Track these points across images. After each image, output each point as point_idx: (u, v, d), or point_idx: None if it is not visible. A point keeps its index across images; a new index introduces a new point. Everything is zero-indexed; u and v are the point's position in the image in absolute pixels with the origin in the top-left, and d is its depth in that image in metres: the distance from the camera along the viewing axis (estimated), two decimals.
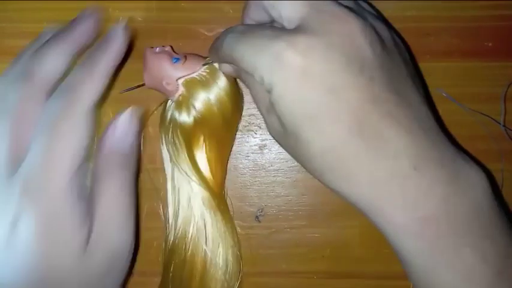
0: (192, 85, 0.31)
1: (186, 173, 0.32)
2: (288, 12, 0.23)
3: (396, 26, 0.33)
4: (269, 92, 0.23)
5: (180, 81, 0.31)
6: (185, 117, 0.31)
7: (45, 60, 0.25)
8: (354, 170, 0.23)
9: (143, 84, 0.31)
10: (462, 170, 0.23)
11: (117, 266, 0.26)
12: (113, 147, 0.26)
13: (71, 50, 0.26)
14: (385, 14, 0.33)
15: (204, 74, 0.31)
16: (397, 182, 0.22)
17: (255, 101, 0.27)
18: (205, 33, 0.34)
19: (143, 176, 0.34)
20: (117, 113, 0.27)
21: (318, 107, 0.22)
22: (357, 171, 0.23)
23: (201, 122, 0.31)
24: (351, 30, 0.22)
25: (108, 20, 0.34)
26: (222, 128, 0.32)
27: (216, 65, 0.31)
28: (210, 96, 0.31)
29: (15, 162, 0.23)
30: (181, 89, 0.31)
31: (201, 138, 0.32)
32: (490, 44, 0.34)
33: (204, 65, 0.31)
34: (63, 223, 0.22)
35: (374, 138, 0.22)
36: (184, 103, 0.31)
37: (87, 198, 0.24)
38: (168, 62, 0.30)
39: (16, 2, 0.34)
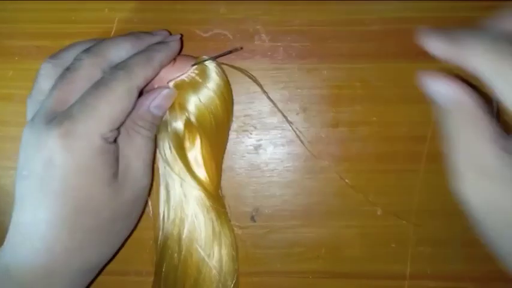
0: (182, 87, 0.31)
1: (179, 174, 0.32)
2: None
3: (391, 27, 0.34)
4: None
5: (171, 83, 0.31)
6: (177, 118, 0.31)
7: (115, 46, 0.29)
8: None
9: None
10: None
11: (139, 203, 0.31)
12: (147, 110, 0.30)
13: (138, 48, 0.30)
14: (380, 15, 0.34)
15: (193, 75, 0.31)
16: None
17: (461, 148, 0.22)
18: (201, 34, 0.34)
19: None
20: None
21: None
22: None
23: (193, 122, 0.31)
24: None
25: (104, 21, 0.34)
26: (213, 128, 0.32)
27: (207, 64, 0.31)
28: (200, 97, 0.31)
29: (55, 114, 0.26)
30: (176, 92, 0.31)
31: (195, 138, 0.32)
32: None
33: (193, 65, 0.31)
34: (93, 164, 0.26)
35: None
36: (176, 105, 0.31)
37: (116, 147, 0.28)
38: None
39: (14, 3, 0.35)
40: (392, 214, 0.34)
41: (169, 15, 0.34)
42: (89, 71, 0.28)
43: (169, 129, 0.31)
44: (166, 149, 0.32)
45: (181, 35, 0.32)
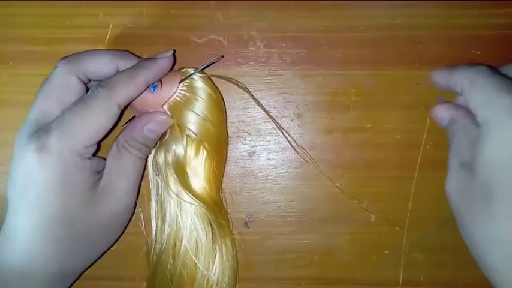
0: (177, 107, 0.31)
1: (176, 191, 0.32)
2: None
3: (386, 33, 0.34)
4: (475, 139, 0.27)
5: (165, 106, 0.31)
6: (178, 139, 0.31)
7: (92, 58, 0.29)
8: None
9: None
10: None
11: (119, 218, 0.31)
12: (140, 132, 0.30)
13: (118, 62, 0.30)
14: (375, 21, 0.34)
15: (183, 92, 0.31)
16: None
17: (453, 150, 0.30)
18: (196, 40, 0.34)
19: None
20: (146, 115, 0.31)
21: None
22: None
23: (195, 137, 0.31)
24: None
25: (99, 26, 0.34)
26: (216, 135, 0.32)
27: (195, 77, 0.31)
28: (197, 110, 0.31)
29: (38, 126, 0.27)
30: (170, 114, 0.31)
31: (198, 152, 0.31)
32: (478, 52, 0.34)
33: (180, 82, 0.31)
34: (66, 179, 0.27)
35: None
36: (177, 127, 0.31)
37: (94, 162, 0.29)
38: (147, 94, 0.30)
39: (8, 8, 0.34)
40: (386, 221, 0.34)
41: (164, 21, 0.34)
42: (64, 79, 0.28)
43: (170, 149, 0.31)
44: (163, 166, 0.32)
45: (174, 51, 0.31)
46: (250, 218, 0.35)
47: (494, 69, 0.29)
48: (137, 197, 0.32)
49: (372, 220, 0.34)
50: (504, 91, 0.26)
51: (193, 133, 0.31)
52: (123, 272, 0.35)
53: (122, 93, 0.28)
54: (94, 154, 0.29)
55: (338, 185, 0.34)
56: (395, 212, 0.34)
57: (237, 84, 0.33)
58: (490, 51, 0.34)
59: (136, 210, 0.34)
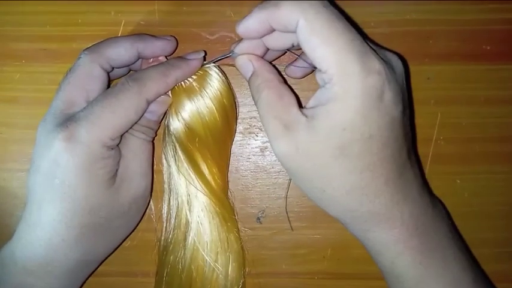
0: (179, 93, 0.31)
1: (185, 178, 0.32)
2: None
3: (396, 29, 0.34)
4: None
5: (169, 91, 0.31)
6: (176, 125, 0.31)
7: (113, 45, 0.30)
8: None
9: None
10: (432, 201, 0.28)
11: (137, 203, 0.31)
12: (144, 116, 0.30)
13: (138, 48, 0.30)
14: (386, 17, 0.34)
15: (191, 80, 0.31)
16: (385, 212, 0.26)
17: (266, 108, 0.27)
18: (207, 36, 0.34)
19: None
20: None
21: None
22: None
23: (190, 129, 0.31)
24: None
25: (111, 23, 0.34)
26: (208, 136, 0.32)
27: (207, 69, 0.31)
28: (196, 104, 0.31)
29: (63, 115, 0.28)
30: (171, 97, 0.31)
31: (194, 144, 0.32)
32: (488, 47, 0.34)
33: None
34: (92, 167, 0.27)
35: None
36: (173, 111, 0.31)
37: (116, 152, 0.29)
38: None
39: (20, 6, 0.35)
40: None
41: (176, 18, 0.34)
42: (88, 68, 0.29)
43: (172, 135, 0.32)
44: (173, 154, 0.32)
45: (205, 53, 0.31)
46: (263, 213, 0.35)
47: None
48: (152, 180, 0.33)
49: None
50: (356, 53, 0.23)
51: (186, 125, 0.31)
52: (136, 268, 0.35)
53: (153, 89, 0.28)
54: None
55: None
56: None
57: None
58: (501, 46, 0.34)
59: (148, 207, 0.34)
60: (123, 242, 0.33)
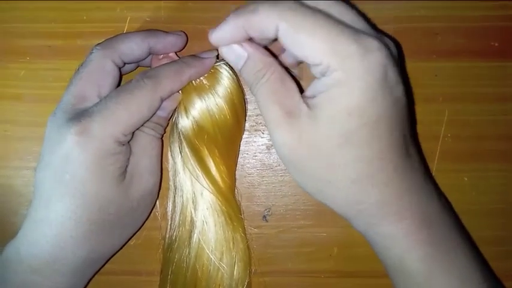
0: (189, 90, 0.31)
1: (191, 176, 0.32)
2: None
3: (404, 25, 0.34)
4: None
5: None
6: (185, 122, 0.31)
7: (125, 40, 0.30)
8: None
9: None
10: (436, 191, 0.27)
11: (147, 200, 0.31)
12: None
13: (149, 42, 0.30)
14: (394, 14, 0.34)
15: (202, 78, 0.31)
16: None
17: (269, 96, 0.25)
18: None
19: None
20: None
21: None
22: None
23: (199, 127, 0.31)
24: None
25: (116, 20, 0.34)
26: (217, 135, 0.31)
27: (218, 67, 0.31)
28: (206, 102, 0.31)
29: (75, 110, 0.27)
30: (180, 95, 0.31)
31: (202, 142, 0.32)
32: (496, 44, 0.34)
33: None
34: (104, 163, 0.27)
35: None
36: (182, 108, 0.31)
37: (127, 148, 0.29)
38: None
39: (25, 2, 0.34)
40: None
41: (181, 14, 0.34)
42: (100, 63, 0.29)
43: (180, 133, 0.31)
44: (180, 152, 0.32)
45: (217, 51, 0.29)
46: (269, 211, 0.35)
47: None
48: (161, 178, 0.32)
49: None
50: (347, 34, 0.22)
51: (196, 123, 0.31)
52: (141, 267, 0.35)
53: (167, 87, 0.28)
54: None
55: None
56: None
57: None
58: (509, 43, 0.34)
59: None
60: (129, 240, 0.32)
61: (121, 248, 0.32)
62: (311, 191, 0.26)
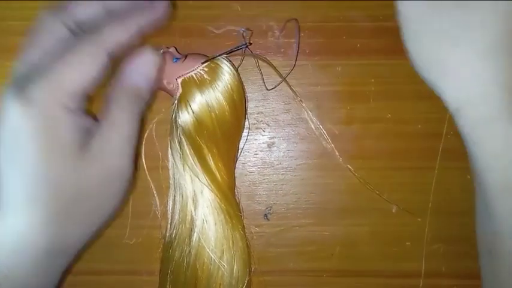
0: (189, 84, 0.31)
1: (191, 173, 0.31)
2: None
3: None
4: None
5: (179, 80, 0.31)
6: (185, 117, 0.31)
7: (79, 3, 0.27)
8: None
9: None
10: None
11: (113, 185, 0.28)
12: (129, 80, 0.27)
13: (110, 8, 0.27)
14: (395, 10, 0.33)
15: (202, 72, 0.31)
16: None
17: None
18: (214, 30, 0.34)
19: (152, 174, 0.34)
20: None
21: None
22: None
23: (199, 122, 0.31)
24: None
25: None
26: (217, 130, 0.31)
27: (219, 63, 0.31)
28: (205, 96, 0.30)
29: (23, 79, 0.24)
30: (180, 88, 0.31)
31: (202, 138, 0.31)
32: None
33: (203, 63, 0.31)
34: (54, 133, 0.24)
35: None
36: (182, 103, 0.31)
37: (84, 118, 0.26)
38: (168, 62, 0.30)
39: (24, 0, 0.34)
40: (407, 212, 0.33)
41: (182, 12, 0.34)
42: (52, 28, 0.26)
43: (180, 127, 0.31)
44: (179, 147, 0.31)
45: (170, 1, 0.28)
46: (270, 210, 0.34)
47: None
48: (136, 167, 0.30)
49: (393, 211, 0.34)
50: None
51: (195, 116, 0.30)
52: (141, 266, 0.34)
53: (112, 39, 0.25)
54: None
55: (359, 176, 0.33)
56: (416, 203, 0.34)
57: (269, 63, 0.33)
58: None
59: (154, 203, 0.33)
60: (98, 232, 0.29)
61: (92, 242, 0.30)
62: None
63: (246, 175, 0.34)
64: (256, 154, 0.34)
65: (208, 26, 0.34)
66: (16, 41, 0.34)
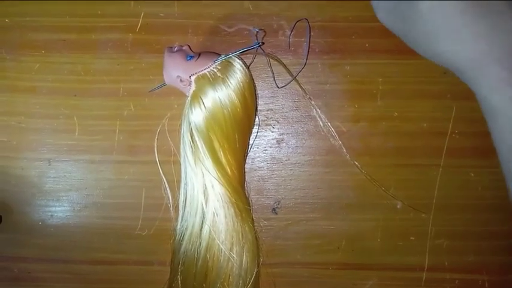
0: (202, 81, 0.31)
1: (202, 168, 0.32)
2: None
3: None
4: None
5: (193, 77, 0.31)
6: (198, 113, 0.32)
7: None
8: (459, 26, 0.25)
9: (165, 84, 0.32)
10: None
11: None
12: None
13: None
14: None
15: (215, 70, 0.31)
16: (497, 35, 0.24)
17: None
18: (226, 29, 0.35)
19: (165, 167, 0.35)
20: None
21: None
22: (461, 27, 0.25)
23: (211, 117, 0.32)
24: None
25: (130, 15, 0.35)
26: (228, 125, 0.32)
27: (231, 61, 0.32)
28: (218, 93, 0.31)
29: None
30: (194, 86, 0.32)
31: (214, 134, 0.32)
32: None
33: (215, 61, 0.31)
34: None
35: None
36: (195, 99, 0.32)
37: None
38: (182, 60, 0.31)
39: None
40: (412, 207, 0.34)
41: (195, 10, 0.35)
42: None
43: (192, 123, 0.32)
44: (191, 142, 0.32)
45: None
46: (278, 204, 0.35)
47: None
48: None
49: (398, 207, 0.35)
50: None
51: (208, 112, 0.31)
52: (153, 257, 0.36)
53: None
54: None
55: (366, 173, 0.34)
56: (421, 199, 0.34)
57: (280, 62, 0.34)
58: None
59: (165, 196, 0.34)
60: None
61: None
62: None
63: (255, 170, 0.35)
64: (266, 150, 0.35)
65: (221, 24, 0.35)
66: (33, 37, 0.35)
